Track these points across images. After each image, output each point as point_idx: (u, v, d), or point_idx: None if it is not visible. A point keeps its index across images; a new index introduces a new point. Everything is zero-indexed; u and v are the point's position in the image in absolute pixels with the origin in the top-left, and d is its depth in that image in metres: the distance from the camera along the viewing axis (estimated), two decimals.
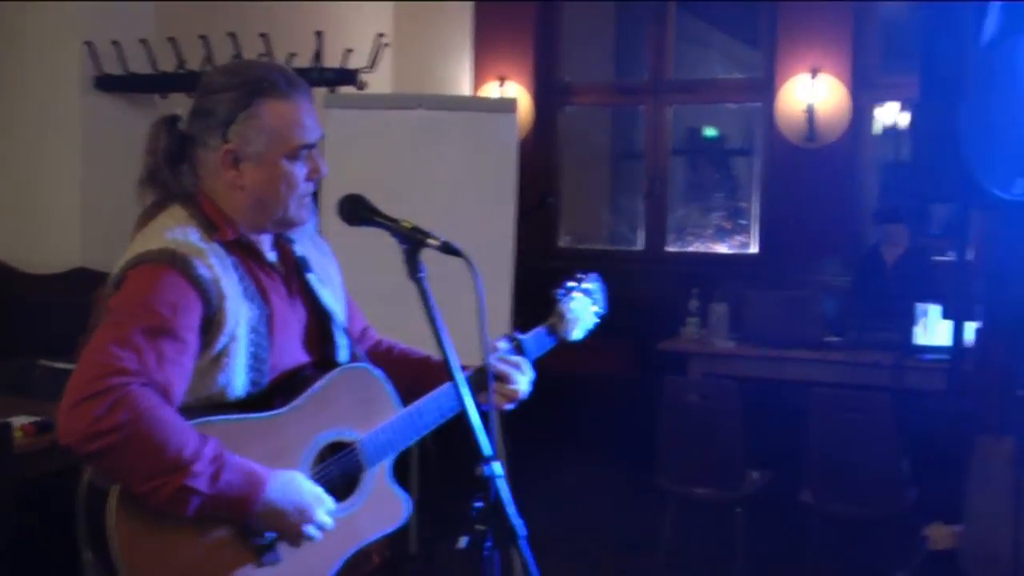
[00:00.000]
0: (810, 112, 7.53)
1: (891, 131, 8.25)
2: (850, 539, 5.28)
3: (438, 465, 6.03)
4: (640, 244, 8.51)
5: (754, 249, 8.10)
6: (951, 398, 4.78)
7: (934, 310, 5.88)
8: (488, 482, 1.96)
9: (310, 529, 2.13)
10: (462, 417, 2.04)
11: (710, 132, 10.40)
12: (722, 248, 8.69)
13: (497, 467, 1.98)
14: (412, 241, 2.11)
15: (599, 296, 2.79)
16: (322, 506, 2.14)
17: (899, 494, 5.04)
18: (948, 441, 4.44)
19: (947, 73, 3.81)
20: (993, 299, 4.36)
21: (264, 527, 2.09)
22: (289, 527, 2.11)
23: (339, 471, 2.24)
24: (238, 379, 2.14)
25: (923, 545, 4.34)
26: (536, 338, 2.64)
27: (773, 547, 5.51)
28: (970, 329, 4.51)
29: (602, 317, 2.80)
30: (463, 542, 1.97)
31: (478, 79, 8.48)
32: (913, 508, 4.98)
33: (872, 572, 4.99)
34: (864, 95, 7.63)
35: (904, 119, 8.09)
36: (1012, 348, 4.06)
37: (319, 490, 2.15)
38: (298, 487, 2.11)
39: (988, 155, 3.67)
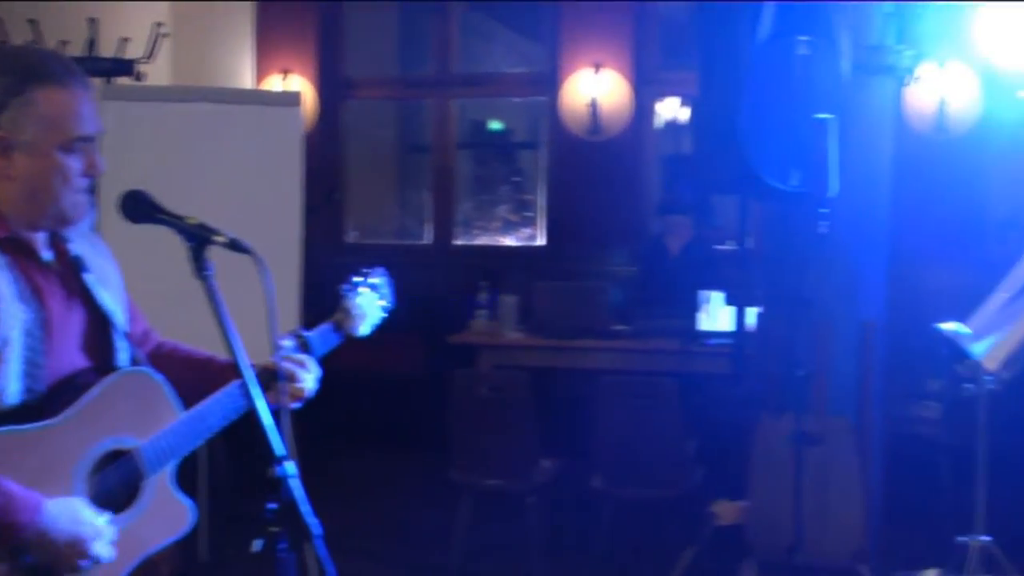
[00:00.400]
0: (594, 106, 7.66)
1: (672, 125, 8.49)
2: (641, 521, 5.41)
3: (228, 468, 5.88)
4: (428, 238, 8.50)
5: (541, 241, 8.19)
6: (734, 381, 4.96)
7: (717, 297, 6.08)
8: (281, 483, 1.92)
9: (85, 563, 2.02)
10: (252, 417, 1.98)
11: (495, 126, 10.47)
12: (509, 241, 8.77)
13: (290, 467, 1.94)
14: (198, 238, 2.05)
15: (386, 290, 2.76)
16: (100, 538, 2.04)
17: (686, 474, 5.20)
18: (732, 421, 4.59)
19: (725, 70, 3.94)
20: (772, 285, 4.54)
21: (36, 556, 1.98)
22: (63, 559, 2.00)
23: (118, 480, 2.13)
24: (11, 386, 2.02)
25: (710, 521, 4.48)
26: (322, 335, 2.58)
27: (566, 533, 5.59)
28: (751, 314, 4.69)
29: (389, 311, 2.77)
30: (257, 545, 1.92)
31: (260, 72, 8.30)
32: (700, 487, 5.14)
33: (663, 551, 5.11)
34: (646, 90, 7.82)
35: (684, 114, 8.34)
36: (791, 331, 4.24)
37: (101, 520, 2.05)
38: (75, 516, 2.00)
39: (765, 148, 3.81)
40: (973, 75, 7.20)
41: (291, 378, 2.40)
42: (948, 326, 2.85)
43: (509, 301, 6.53)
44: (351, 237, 8.60)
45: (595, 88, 7.67)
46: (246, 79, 8.26)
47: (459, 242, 8.47)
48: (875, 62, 4.53)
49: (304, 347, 2.51)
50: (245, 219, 3.99)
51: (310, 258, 5.37)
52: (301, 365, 2.44)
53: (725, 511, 4.40)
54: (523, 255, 8.33)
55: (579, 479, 5.35)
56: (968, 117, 7.28)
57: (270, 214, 5.12)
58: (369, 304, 2.68)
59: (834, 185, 3.87)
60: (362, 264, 2.77)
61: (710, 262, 6.61)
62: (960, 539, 2.72)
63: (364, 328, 2.67)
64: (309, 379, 2.45)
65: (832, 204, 3.92)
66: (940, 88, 7.22)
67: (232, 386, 2.25)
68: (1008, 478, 4.11)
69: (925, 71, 7.09)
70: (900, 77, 4.73)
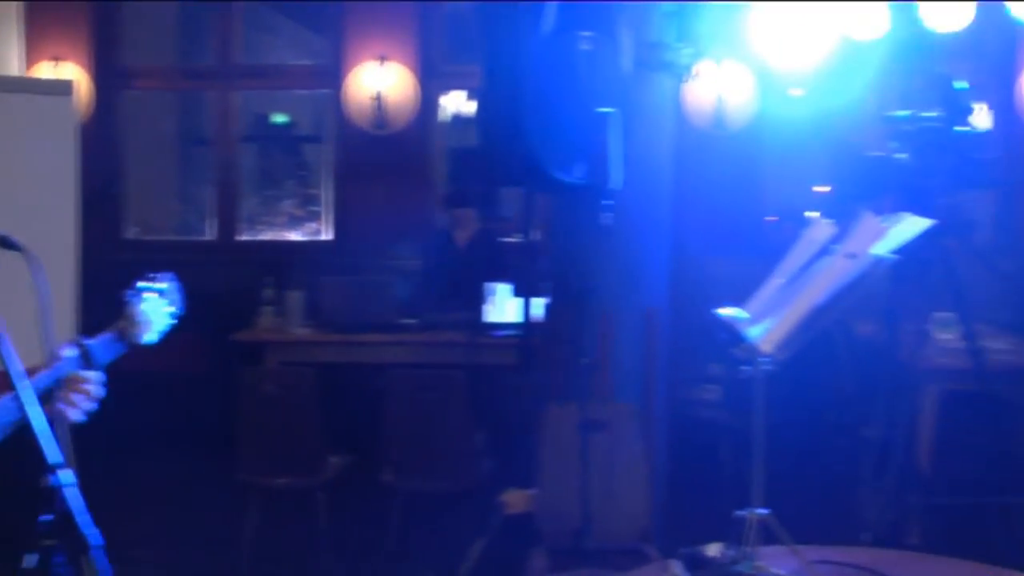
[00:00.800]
0: (379, 99, 7.62)
1: (458, 119, 8.52)
2: (432, 514, 5.42)
3: None
4: (211, 234, 8.28)
5: (327, 236, 8.10)
6: (522, 371, 5.02)
7: (503, 289, 6.15)
8: (56, 492, 1.82)
9: None
10: (25, 427, 1.88)
11: (280, 119, 10.30)
12: (295, 235, 8.65)
13: (66, 476, 1.85)
14: None
15: (174, 296, 2.66)
16: None
17: (476, 466, 5.25)
18: (520, 411, 4.65)
19: (509, 64, 3.96)
20: (558, 276, 4.62)
21: None
22: None
23: None
24: None
25: (500, 511, 4.52)
26: (104, 344, 2.47)
27: (357, 529, 5.55)
28: (538, 305, 4.75)
29: (177, 317, 2.68)
30: (30, 560, 1.82)
31: (30, 59, 7.89)
32: (490, 477, 5.18)
33: (454, 542, 5.13)
34: (431, 83, 7.82)
35: (470, 107, 8.37)
36: (577, 321, 4.32)
37: None
38: None
39: (549, 141, 3.85)
40: (749, 73, 7.49)
41: (73, 389, 2.29)
42: (726, 311, 2.96)
43: (295, 297, 6.45)
44: (131, 233, 8.29)
45: (380, 81, 7.63)
46: (13, 66, 7.85)
47: (243, 237, 8.29)
48: (655, 59, 4.65)
49: (86, 357, 2.40)
50: (15, 213, 3.81)
51: (87, 255, 5.16)
52: (83, 376, 2.33)
53: (514, 500, 4.45)
54: (309, 250, 8.22)
55: (369, 474, 5.32)
56: (744, 113, 7.58)
57: (43, 208, 4.91)
58: (155, 311, 2.58)
59: (617, 177, 3.96)
60: (142, 261, 2.68)
61: (497, 254, 6.67)
62: (739, 513, 2.83)
63: (150, 336, 2.58)
64: (92, 390, 2.34)
65: (615, 196, 4.00)
66: (718, 85, 7.48)
67: (6, 398, 2.13)
68: (783, 453, 4.30)
69: (703, 68, 7.32)
70: (679, 74, 4.86)
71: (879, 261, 2.77)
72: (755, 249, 6.57)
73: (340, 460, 5.38)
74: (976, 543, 3.75)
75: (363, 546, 5.46)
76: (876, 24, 5.37)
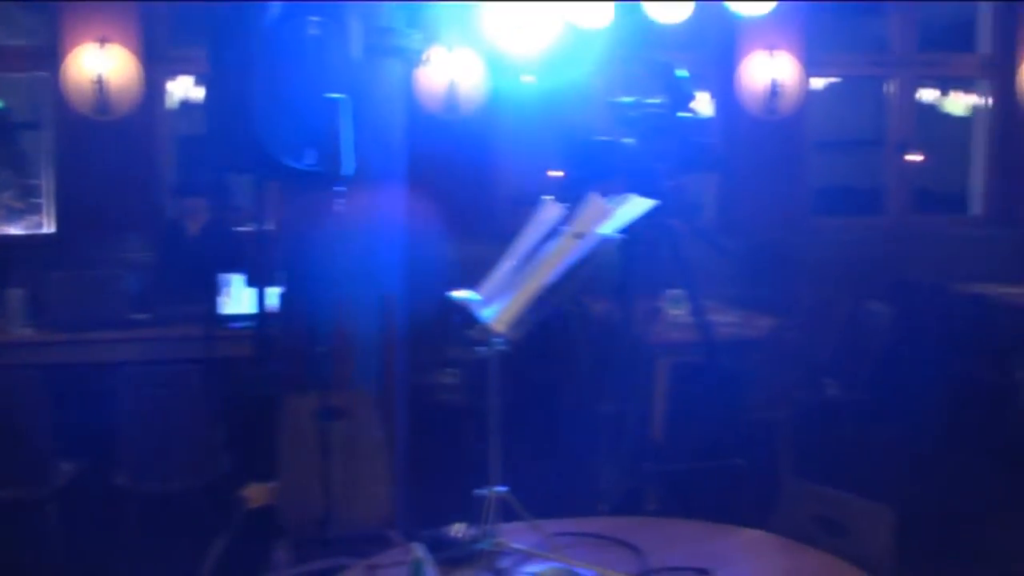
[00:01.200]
0: (100, 83, 7.31)
1: (187, 104, 8.29)
2: (171, 514, 5.26)
3: None
4: None
5: (50, 229, 7.75)
6: (259, 362, 4.93)
7: (238, 279, 6.03)
8: None
9: None
10: None
11: None
12: (14, 229, 8.25)
13: None
14: None
15: None
16: None
17: (215, 462, 5.14)
18: (259, 404, 4.57)
19: (236, 50, 3.88)
20: (292, 264, 4.56)
21: None
22: None
23: None
24: None
25: (241, 506, 4.44)
26: None
27: (92, 537, 5.34)
28: (273, 295, 4.68)
29: None
30: None
31: None
32: (231, 473, 5.08)
33: (195, 542, 5.00)
34: (156, 68, 7.58)
35: (199, 93, 8.16)
36: (312, 309, 4.28)
37: None
38: None
39: (279, 128, 3.79)
40: (479, 59, 7.61)
41: None
42: (460, 294, 2.98)
43: (16, 295, 6.13)
44: None
45: (101, 64, 7.33)
46: None
47: None
48: (385, 44, 4.65)
49: None
50: None
51: None
52: None
53: (255, 494, 4.37)
54: (30, 244, 7.84)
55: (103, 479, 5.12)
56: (476, 98, 7.69)
57: None
58: None
59: (348, 164, 3.93)
60: None
61: (229, 244, 6.55)
62: (478, 492, 2.86)
63: None
64: None
65: (348, 182, 3.98)
66: (449, 70, 7.57)
67: None
68: (522, 431, 4.40)
69: (434, 54, 7.41)
70: (410, 59, 4.87)
71: (605, 240, 2.85)
72: (490, 232, 6.68)
73: (71, 466, 5.16)
74: (707, 505, 3.93)
75: (98, 556, 5.25)
76: (601, 14, 5.55)
